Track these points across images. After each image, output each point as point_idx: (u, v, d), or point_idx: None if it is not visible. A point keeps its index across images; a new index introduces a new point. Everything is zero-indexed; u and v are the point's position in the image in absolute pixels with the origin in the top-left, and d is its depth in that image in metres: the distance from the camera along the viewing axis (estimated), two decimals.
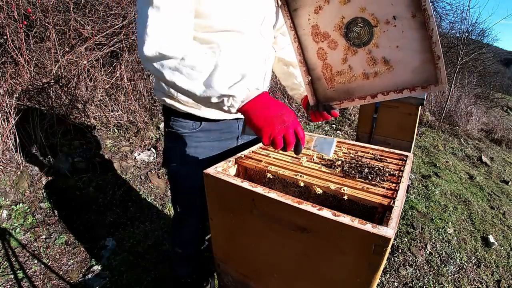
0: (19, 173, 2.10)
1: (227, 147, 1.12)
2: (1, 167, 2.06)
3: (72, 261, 1.73)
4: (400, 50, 0.84)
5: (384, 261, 0.61)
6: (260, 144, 1.09)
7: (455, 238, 2.35)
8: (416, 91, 0.85)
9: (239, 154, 0.98)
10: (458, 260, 2.12)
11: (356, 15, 0.86)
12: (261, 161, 0.94)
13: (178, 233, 1.25)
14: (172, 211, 2.25)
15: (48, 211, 2.00)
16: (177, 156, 1.06)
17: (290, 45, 1.19)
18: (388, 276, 1.89)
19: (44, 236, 1.83)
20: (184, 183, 1.10)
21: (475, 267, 2.10)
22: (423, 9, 0.76)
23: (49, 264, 1.68)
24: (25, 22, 2.45)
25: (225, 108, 0.76)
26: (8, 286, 1.51)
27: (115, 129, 2.85)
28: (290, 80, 1.22)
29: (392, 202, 0.70)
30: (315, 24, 0.92)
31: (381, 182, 0.81)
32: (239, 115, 1.00)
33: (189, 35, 0.77)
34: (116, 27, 2.78)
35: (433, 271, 1.98)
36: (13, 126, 2.13)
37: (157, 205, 2.29)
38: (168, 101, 0.98)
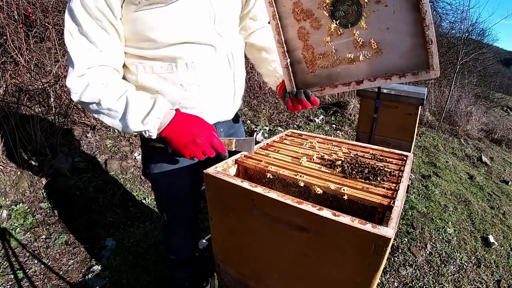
0: (19, 173, 2.10)
1: None
2: (1, 167, 2.06)
3: (72, 261, 1.73)
4: (390, 33, 0.78)
5: (384, 261, 0.61)
6: (260, 144, 1.09)
7: (455, 238, 2.35)
8: (406, 77, 0.79)
9: (239, 154, 0.98)
10: (458, 260, 2.12)
11: None
12: (261, 161, 0.94)
13: (169, 240, 1.23)
14: None
15: (48, 211, 2.00)
16: (156, 164, 1.03)
17: (261, 29, 1.10)
18: (388, 276, 1.89)
19: (44, 236, 1.83)
20: (167, 191, 1.07)
21: (475, 267, 2.10)
22: None
23: (49, 264, 1.68)
24: (25, 22, 2.45)
25: (147, 136, 0.85)
26: (8, 286, 1.51)
27: (115, 129, 2.85)
28: (264, 66, 1.13)
29: (392, 202, 0.70)
30: (297, 1, 0.84)
31: (381, 182, 0.81)
32: (219, 119, 1.04)
33: (107, 73, 0.81)
34: None
35: (433, 271, 1.98)
36: (13, 126, 2.13)
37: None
38: None
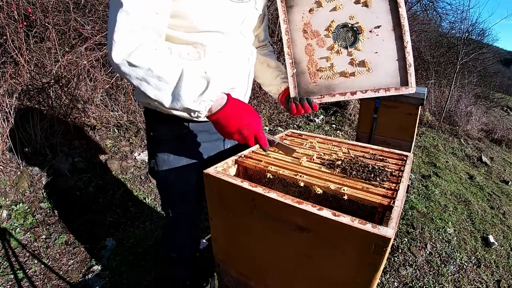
0: (19, 173, 2.10)
1: (216, 148, 1.11)
2: (1, 167, 2.06)
3: (72, 261, 1.73)
4: (379, 56, 0.99)
5: (384, 261, 0.61)
6: None
7: (455, 238, 2.35)
8: (390, 91, 0.99)
9: (239, 154, 0.98)
10: (458, 260, 2.12)
11: (346, 21, 0.99)
12: (261, 161, 0.94)
13: (171, 238, 1.23)
14: None
15: (48, 211, 2.00)
16: (164, 161, 1.02)
17: (264, 46, 1.25)
18: (388, 276, 1.89)
19: (44, 236, 1.83)
20: (175, 188, 1.08)
21: (475, 267, 2.10)
22: (401, 25, 0.95)
23: (49, 264, 1.68)
24: (25, 22, 2.45)
25: (194, 116, 0.81)
26: (8, 286, 1.51)
27: (115, 129, 2.85)
28: (267, 76, 1.21)
29: (392, 202, 0.70)
30: (308, 22, 1.01)
31: (381, 182, 0.81)
32: None
33: (158, 41, 0.77)
34: None
35: (433, 271, 1.98)
36: (13, 126, 2.13)
37: (157, 205, 2.29)
38: (152, 103, 0.94)
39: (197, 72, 0.79)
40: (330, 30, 1.00)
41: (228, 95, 0.83)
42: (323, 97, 1.04)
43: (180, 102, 0.75)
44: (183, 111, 0.78)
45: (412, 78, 0.97)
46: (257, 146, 1.07)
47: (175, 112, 0.94)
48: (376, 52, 0.99)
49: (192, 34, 0.84)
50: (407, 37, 0.96)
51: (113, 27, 0.69)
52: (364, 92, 1.00)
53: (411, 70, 0.97)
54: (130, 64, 0.71)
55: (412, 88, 0.97)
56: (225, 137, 0.84)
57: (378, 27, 0.98)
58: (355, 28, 0.99)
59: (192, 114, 0.79)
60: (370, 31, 0.98)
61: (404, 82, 0.98)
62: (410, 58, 0.96)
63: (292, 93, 1.06)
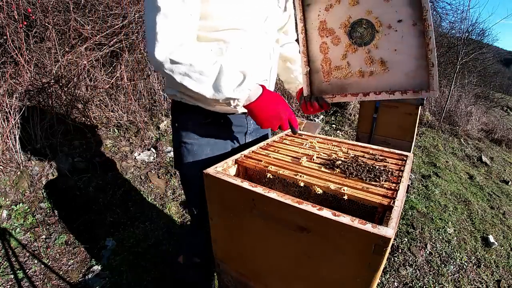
0: (19, 173, 2.10)
1: (237, 141, 1.13)
2: (1, 167, 2.06)
3: (72, 261, 1.73)
4: (398, 54, 0.89)
5: (384, 261, 0.61)
6: (260, 144, 1.09)
7: (455, 238, 2.35)
8: (408, 94, 0.90)
9: (238, 154, 0.98)
10: (458, 260, 2.12)
11: (362, 16, 0.92)
12: (261, 161, 0.94)
13: (196, 240, 1.17)
14: (171, 213, 2.25)
15: (48, 211, 2.00)
16: (189, 152, 1.05)
17: (289, 43, 1.25)
18: (388, 276, 1.89)
19: (44, 236, 1.83)
20: (200, 181, 1.02)
21: (475, 267, 2.10)
22: (424, 18, 0.83)
23: (49, 264, 1.68)
24: (25, 22, 2.45)
25: (232, 106, 0.88)
26: (8, 286, 1.51)
27: (115, 129, 2.85)
28: (287, 74, 1.28)
29: (392, 202, 0.69)
30: (323, 20, 0.98)
31: (381, 182, 0.81)
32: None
33: (194, 40, 0.84)
34: (116, 27, 2.78)
35: (433, 271, 1.98)
36: (13, 126, 2.13)
37: (157, 205, 2.29)
38: (179, 95, 1.00)
39: (234, 67, 0.86)
40: (346, 27, 0.95)
41: (263, 86, 0.91)
42: (335, 96, 1.01)
43: (221, 92, 0.82)
44: (224, 101, 0.85)
45: (434, 81, 0.85)
46: (258, 145, 1.08)
47: (202, 105, 1.00)
48: (395, 50, 0.89)
49: (216, 33, 0.89)
50: (431, 33, 0.83)
51: (154, 29, 0.75)
52: (378, 93, 0.93)
53: (434, 71, 0.84)
54: (173, 62, 0.77)
55: (434, 92, 0.86)
56: (262, 123, 0.91)
57: (399, 21, 0.87)
58: (372, 24, 0.91)
59: (232, 102, 0.86)
60: (389, 27, 0.89)
61: (425, 85, 0.87)
62: (433, 57, 0.84)
63: (305, 92, 1.06)
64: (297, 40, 1.25)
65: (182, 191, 2.41)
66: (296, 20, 1.04)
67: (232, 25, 0.89)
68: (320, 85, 1.03)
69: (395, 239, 2.22)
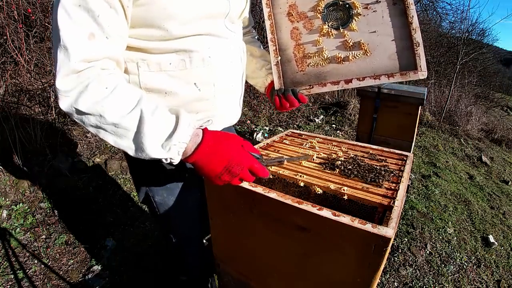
0: (19, 173, 2.10)
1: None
2: (1, 167, 2.06)
3: (72, 261, 1.73)
4: (379, 36, 0.84)
5: (384, 261, 0.61)
6: (260, 144, 1.09)
7: (455, 238, 2.35)
8: (395, 77, 0.83)
9: None
10: (458, 260, 2.12)
11: None
12: None
13: (179, 262, 1.14)
14: None
15: (48, 211, 2.00)
16: (159, 182, 0.90)
17: (248, 33, 1.10)
18: (388, 276, 1.89)
19: (44, 236, 1.83)
20: (175, 212, 0.95)
21: (475, 267, 2.10)
22: None
23: (49, 264, 1.68)
24: (25, 22, 2.45)
25: (167, 163, 0.67)
26: (8, 286, 1.51)
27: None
28: (249, 67, 1.07)
29: (392, 202, 0.69)
30: (293, 4, 0.89)
31: (381, 182, 0.81)
32: (229, 124, 0.95)
33: (112, 71, 0.64)
34: None
35: (433, 271, 1.98)
36: (13, 126, 2.13)
37: None
38: None
39: (160, 106, 0.64)
40: (318, 9, 0.86)
41: (204, 129, 0.67)
42: (312, 87, 0.90)
43: (145, 151, 0.61)
44: (154, 159, 0.64)
45: (422, 60, 0.80)
46: (258, 146, 1.07)
47: None
48: (374, 31, 0.83)
49: (172, 42, 0.71)
50: (412, 11, 0.79)
51: (55, 68, 0.58)
52: (362, 79, 0.86)
53: (420, 51, 0.79)
54: (80, 112, 0.59)
55: (423, 73, 0.81)
56: (213, 182, 0.67)
57: (378, 2, 0.82)
58: (347, 5, 0.84)
59: (164, 161, 0.65)
60: (366, 7, 0.83)
61: (412, 66, 0.81)
62: (417, 36, 0.79)
63: (277, 85, 0.93)
64: (254, 27, 1.09)
65: None
66: (261, 4, 0.93)
67: (194, 30, 0.73)
68: (294, 75, 0.92)
69: (395, 239, 2.22)
